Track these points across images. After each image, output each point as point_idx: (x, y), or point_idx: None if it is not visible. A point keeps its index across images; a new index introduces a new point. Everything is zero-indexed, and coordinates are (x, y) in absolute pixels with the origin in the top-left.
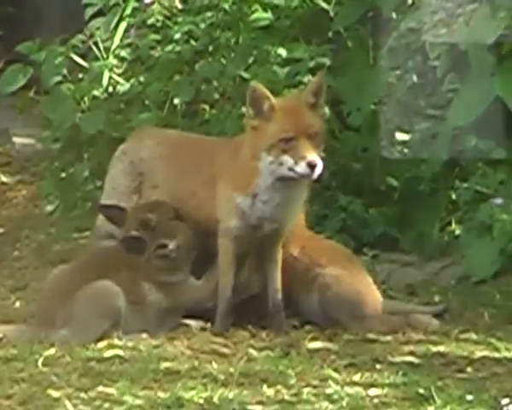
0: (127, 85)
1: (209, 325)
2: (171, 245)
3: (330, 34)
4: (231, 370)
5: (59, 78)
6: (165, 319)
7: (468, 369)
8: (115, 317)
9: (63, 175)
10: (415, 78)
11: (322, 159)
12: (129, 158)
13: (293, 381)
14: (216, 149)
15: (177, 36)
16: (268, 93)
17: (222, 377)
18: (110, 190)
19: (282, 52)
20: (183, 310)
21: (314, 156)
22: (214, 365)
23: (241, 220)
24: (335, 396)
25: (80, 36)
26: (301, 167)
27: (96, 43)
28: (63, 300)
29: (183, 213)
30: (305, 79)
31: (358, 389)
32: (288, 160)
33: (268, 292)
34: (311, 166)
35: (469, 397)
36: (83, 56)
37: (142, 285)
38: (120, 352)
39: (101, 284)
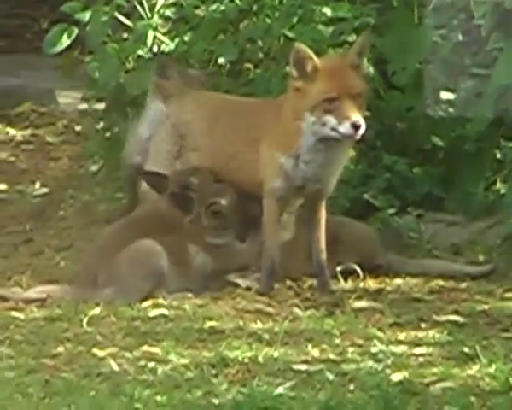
0: (172, 45)
1: (255, 284)
2: (223, 202)
3: None
4: (276, 329)
5: (103, 37)
6: (210, 282)
7: None
8: (158, 276)
9: (108, 135)
10: (460, 37)
11: (367, 118)
12: (171, 121)
13: (337, 340)
14: (258, 111)
15: None
16: (312, 54)
17: (266, 336)
18: (154, 154)
19: (327, 11)
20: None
21: (358, 117)
22: (259, 324)
23: (284, 181)
24: (380, 355)
25: None
26: (345, 127)
27: (140, 3)
28: (107, 259)
29: (224, 177)
30: (350, 39)
31: (403, 347)
32: (331, 120)
33: (312, 252)
34: (355, 127)
35: None
36: (127, 16)
37: (189, 248)
38: (165, 311)
39: (143, 244)
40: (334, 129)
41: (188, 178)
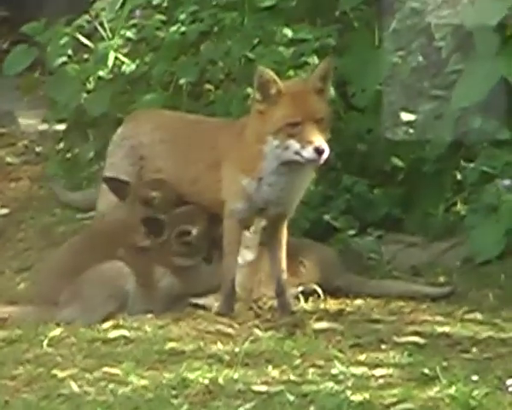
0: (132, 66)
1: (214, 305)
2: (195, 231)
3: (336, 15)
4: (236, 350)
5: (64, 58)
6: (175, 303)
7: (473, 349)
8: (123, 299)
9: (68, 156)
10: (420, 58)
11: (327, 140)
12: (129, 143)
13: (298, 361)
14: (219, 132)
15: (183, 16)
16: (275, 77)
17: (227, 357)
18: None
19: (288, 33)
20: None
21: (321, 141)
22: (219, 345)
23: (246, 203)
24: (340, 376)
25: (85, 16)
26: (308, 152)
27: (101, 24)
28: (67, 278)
29: (187, 198)
30: (311, 60)
31: (363, 369)
32: (294, 144)
33: (273, 273)
34: (318, 152)
35: (474, 378)
36: (88, 37)
37: (156, 269)
38: (126, 332)
39: (110, 265)
40: (297, 153)
41: (150, 191)
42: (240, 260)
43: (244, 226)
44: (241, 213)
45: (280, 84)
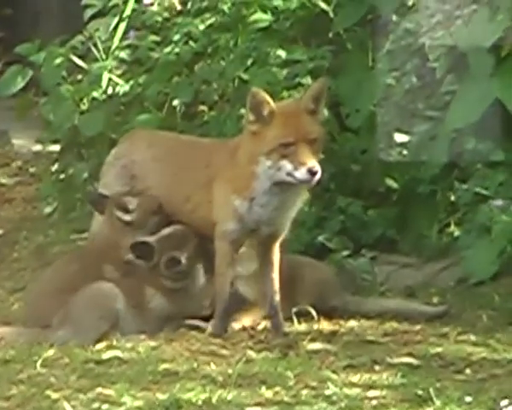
0: (126, 87)
1: (208, 326)
2: (183, 259)
3: (330, 36)
4: (230, 371)
5: (58, 79)
6: (166, 324)
7: (467, 370)
8: (113, 319)
9: (62, 177)
10: (414, 80)
11: (321, 161)
12: (121, 162)
13: (291, 382)
14: (211, 151)
15: (177, 37)
16: (268, 98)
17: (220, 378)
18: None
19: (282, 54)
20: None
21: (314, 162)
22: (213, 366)
23: (238, 223)
24: (334, 398)
25: (79, 37)
26: (301, 173)
27: (95, 45)
28: (59, 298)
29: (178, 218)
30: (305, 81)
31: (357, 390)
32: (287, 165)
33: (266, 294)
34: (311, 173)
35: (468, 399)
36: (82, 58)
37: (146, 290)
38: (119, 353)
39: (99, 286)
40: (289, 174)
41: (124, 197)
42: (244, 271)
43: (236, 248)
44: (232, 234)
45: (272, 105)
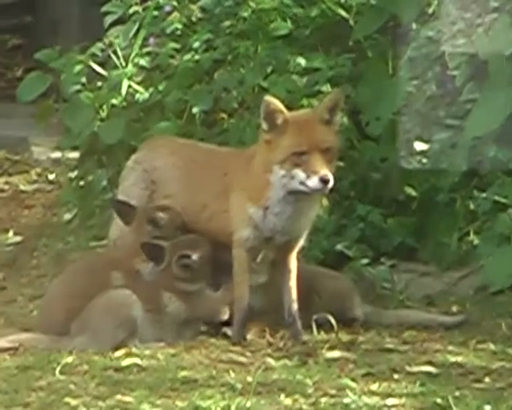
0: (146, 94)
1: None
2: (195, 256)
3: (350, 43)
4: (249, 379)
5: (78, 86)
6: (183, 330)
7: (486, 379)
8: (131, 326)
9: (81, 183)
10: (434, 88)
11: (341, 169)
12: (142, 167)
13: (310, 390)
14: (229, 160)
15: (196, 45)
16: (282, 107)
17: (239, 386)
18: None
19: (301, 61)
20: (201, 321)
21: (326, 171)
22: (232, 374)
23: (253, 231)
24: (353, 406)
25: (99, 44)
26: (313, 182)
27: (115, 52)
28: (71, 307)
29: (195, 225)
30: (324, 89)
31: (376, 398)
32: (299, 174)
33: (283, 303)
34: (324, 181)
35: (487, 407)
36: (102, 65)
37: (162, 294)
38: (138, 360)
39: (117, 293)
40: (302, 183)
41: (156, 212)
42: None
43: (253, 256)
44: (248, 241)
45: (286, 114)
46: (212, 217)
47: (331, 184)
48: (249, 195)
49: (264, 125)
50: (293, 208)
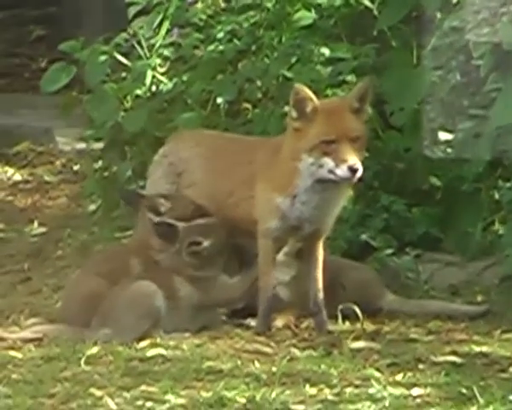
0: (170, 85)
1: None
2: (205, 243)
3: (374, 33)
4: (274, 369)
5: (102, 77)
6: (200, 316)
7: (511, 369)
8: (155, 317)
9: (106, 174)
10: (458, 77)
11: (365, 158)
12: (169, 160)
13: (335, 380)
14: (255, 149)
15: (221, 35)
16: (312, 95)
17: (264, 376)
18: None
19: (326, 51)
20: (217, 308)
21: (355, 160)
22: (257, 364)
23: (280, 221)
24: (378, 396)
25: (123, 34)
26: (342, 170)
27: (139, 42)
28: (98, 298)
29: (219, 213)
30: (349, 79)
31: (401, 388)
32: (328, 162)
33: (309, 292)
34: (352, 170)
35: None
36: (126, 55)
37: (174, 279)
38: (163, 351)
39: (139, 284)
40: (331, 171)
41: (157, 199)
42: (283, 278)
43: (279, 246)
44: (275, 231)
45: (316, 102)
46: (236, 204)
47: (360, 173)
48: (276, 184)
49: (294, 113)
50: (321, 197)
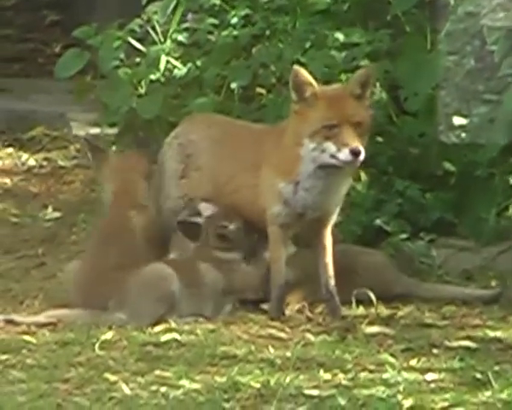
0: (184, 70)
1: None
2: (232, 226)
3: (388, 18)
4: (288, 354)
5: (116, 62)
6: (222, 302)
7: None
8: (170, 300)
9: None
10: (472, 62)
11: (380, 144)
12: (178, 141)
13: (349, 366)
14: (261, 136)
15: (235, 20)
16: (310, 79)
17: (279, 361)
18: (161, 174)
19: (340, 36)
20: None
21: (357, 143)
22: (271, 349)
23: (284, 207)
24: (392, 381)
25: (137, 20)
26: (344, 154)
27: (153, 28)
28: (113, 281)
29: (223, 199)
30: (363, 64)
31: (415, 374)
32: (330, 146)
33: (320, 279)
34: (355, 153)
35: None
36: (140, 40)
37: (199, 266)
38: (177, 336)
39: (154, 268)
40: (333, 156)
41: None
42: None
43: (287, 231)
44: (280, 217)
45: (315, 86)
46: (237, 189)
47: (362, 156)
48: (279, 170)
49: (293, 96)
50: (324, 183)
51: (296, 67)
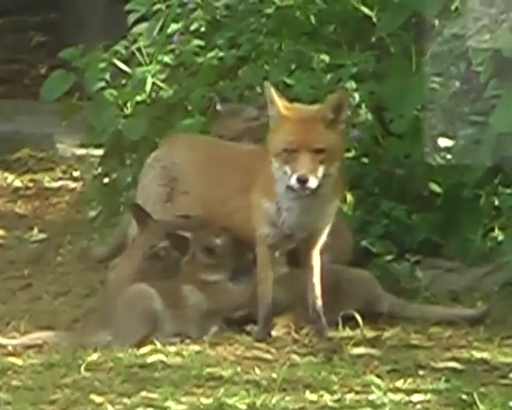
0: (170, 91)
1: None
2: (219, 241)
3: (373, 40)
4: (274, 376)
5: (102, 84)
6: (206, 324)
7: (511, 375)
8: (152, 318)
9: (106, 181)
10: (458, 84)
11: (366, 165)
12: (161, 164)
13: (335, 387)
14: (248, 156)
15: (221, 42)
16: (277, 99)
17: (264, 382)
18: (143, 199)
19: (325, 58)
20: (221, 316)
21: (305, 171)
22: (257, 370)
23: (271, 227)
24: (378, 402)
25: (123, 42)
26: (292, 180)
27: (138, 49)
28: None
29: (215, 221)
30: (348, 86)
31: (401, 395)
32: (287, 170)
33: (307, 299)
34: (300, 181)
35: None
36: (126, 62)
37: (183, 288)
38: (163, 357)
39: (136, 288)
40: (288, 180)
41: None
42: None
43: (276, 252)
44: (268, 238)
45: (279, 107)
46: (231, 212)
47: (311, 184)
48: (262, 189)
49: (269, 109)
50: (300, 205)
51: (267, 83)
